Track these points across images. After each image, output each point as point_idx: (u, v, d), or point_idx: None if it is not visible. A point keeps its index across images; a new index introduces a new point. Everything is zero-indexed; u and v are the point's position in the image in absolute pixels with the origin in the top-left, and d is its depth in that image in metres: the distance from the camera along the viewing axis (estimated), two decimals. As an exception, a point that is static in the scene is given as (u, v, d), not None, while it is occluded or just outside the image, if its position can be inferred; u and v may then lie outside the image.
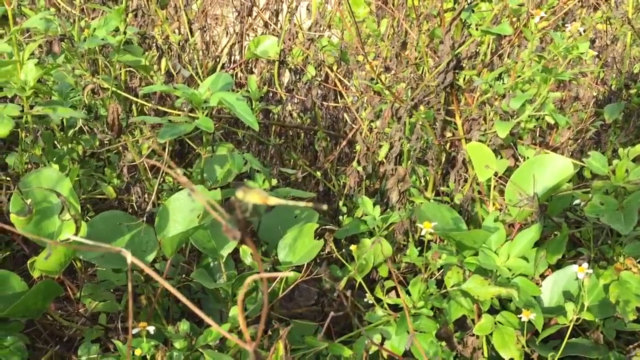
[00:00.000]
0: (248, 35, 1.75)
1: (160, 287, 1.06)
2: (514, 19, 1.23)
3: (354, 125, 1.55)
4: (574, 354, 1.04)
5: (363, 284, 1.05)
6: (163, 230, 1.08)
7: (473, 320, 1.06)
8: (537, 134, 1.34)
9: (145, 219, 1.10)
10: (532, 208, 0.98)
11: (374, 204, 1.27)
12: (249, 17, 1.70)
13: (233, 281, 1.07)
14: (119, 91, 1.23)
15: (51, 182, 0.97)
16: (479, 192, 1.23)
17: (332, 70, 1.52)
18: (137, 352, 0.81)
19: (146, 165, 1.26)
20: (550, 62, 1.05)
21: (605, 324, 1.09)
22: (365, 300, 1.11)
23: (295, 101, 1.64)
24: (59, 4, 1.44)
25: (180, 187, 1.33)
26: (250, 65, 1.76)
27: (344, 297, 0.81)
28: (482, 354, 1.06)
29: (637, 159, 1.02)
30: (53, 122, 1.17)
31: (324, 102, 1.60)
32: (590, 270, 0.92)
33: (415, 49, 1.34)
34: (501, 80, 1.31)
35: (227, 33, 1.78)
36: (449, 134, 1.27)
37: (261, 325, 0.41)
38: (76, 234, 0.88)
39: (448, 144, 1.30)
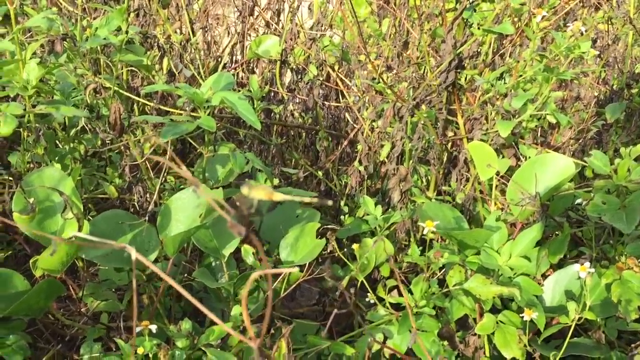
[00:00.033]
0: (249, 35, 1.76)
1: (162, 287, 1.06)
2: (515, 19, 1.23)
3: (355, 125, 1.55)
4: (576, 354, 1.04)
5: (365, 283, 1.05)
6: (165, 230, 1.08)
7: (475, 320, 1.06)
8: (539, 134, 1.35)
9: (147, 218, 1.10)
10: (534, 207, 0.98)
11: (376, 204, 1.27)
12: (251, 17, 1.70)
13: (235, 280, 1.07)
14: (121, 91, 1.23)
15: (53, 181, 0.97)
16: (481, 192, 1.23)
17: (333, 70, 1.52)
18: (140, 350, 0.81)
19: (148, 165, 1.26)
20: (552, 61, 1.05)
21: (607, 323, 1.09)
22: (367, 299, 1.11)
23: (297, 101, 1.64)
24: (61, 3, 1.44)
25: (182, 186, 1.33)
26: (251, 65, 1.76)
27: (347, 296, 0.81)
28: (484, 353, 1.06)
29: (639, 158, 1.02)
30: (55, 122, 1.17)
31: (326, 102, 1.60)
32: (592, 270, 0.92)
33: (417, 49, 1.34)
34: (502, 80, 1.31)
35: (228, 33, 1.78)
36: (450, 134, 1.27)
37: (265, 322, 0.41)
38: (73, 235, 0.88)
39: (450, 144, 1.30)
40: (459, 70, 1.11)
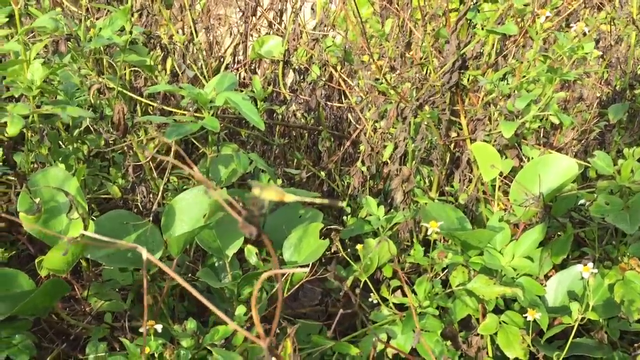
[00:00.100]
0: (252, 35, 1.76)
1: (166, 286, 1.06)
2: (519, 19, 1.23)
3: (357, 126, 1.56)
4: (578, 354, 1.04)
5: (369, 283, 1.06)
6: (169, 230, 1.08)
7: (477, 320, 1.07)
8: (541, 135, 1.35)
9: (151, 218, 1.10)
10: (537, 208, 0.98)
11: (378, 204, 1.27)
12: (253, 17, 1.70)
13: (239, 280, 1.08)
14: (124, 91, 1.23)
15: (58, 182, 0.98)
16: (484, 192, 1.24)
17: (336, 70, 1.52)
18: (146, 350, 0.82)
19: (151, 165, 1.26)
20: (555, 62, 1.06)
21: (609, 323, 1.09)
22: (370, 300, 1.11)
23: (300, 101, 1.64)
24: (63, 3, 1.44)
25: (185, 187, 1.34)
26: (254, 65, 1.76)
27: (352, 296, 0.81)
28: (487, 353, 1.06)
29: (642, 159, 1.02)
30: (58, 122, 1.18)
31: (328, 102, 1.61)
32: (595, 270, 0.92)
33: (420, 49, 1.35)
34: (505, 81, 1.31)
35: (230, 33, 1.78)
36: (453, 134, 1.27)
37: (275, 321, 0.41)
38: (82, 234, 0.89)
39: (452, 144, 1.31)
40: (462, 71, 1.11)
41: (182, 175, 1.35)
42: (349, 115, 1.64)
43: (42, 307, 0.91)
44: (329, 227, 1.27)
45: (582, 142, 1.36)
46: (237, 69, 1.73)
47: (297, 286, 1.15)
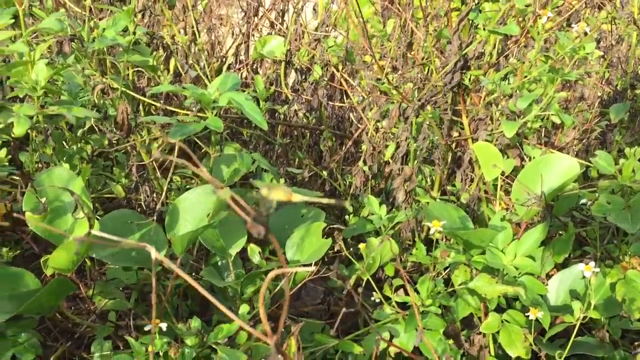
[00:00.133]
0: (253, 35, 1.76)
1: (170, 285, 1.07)
2: (520, 19, 1.24)
3: (359, 125, 1.56)
4: (580, 352, 1.05)
5: (372, 282, 1.06)
6: (173, 229, 1.09)
7: (479, 319, 1.07)
8: (542, 134, 1.35)
9: (155, 218, 1.11)
10: (539, 207, 0.99)
11: (380, 204, 1.28)
12: (255, 17, 1.71)
13: (242, 279, 1.08)
14: (127, 91, 1.24)
15: (62, 181, 0.98)
16: (485, 192, 1.24)
17: (338, 70, 1.53)
18: (151, 348, 0.82)
19: (155, 165, 1.27)
20: (556, 62, 1.06)
21: (610, 322, 1.09)
22: (372, 299, 1.12)
23: (302, 101, 1.65)
24: (67, 4, 1.45)
25: (188, 186, 1.34)
26: (255, 65, 1.77)
27: (355, 295, 0.82)
28: (489, 352, 1.07)
29: (643, 159, 1.02)
30: (62, 122, 1.18)
31: (330, 102, 1.61)
32: (597, 269, 0.93)
33: (422, 49, 1.35)
34: (507, 80, 1.31)
35: (232, 33, 1.79)
36: (455, 134, 1.28)
37: (282, 319, 0.42)
38: (89, 232, 0.89)
39: (454, 144, 1.31)
40: (464, 71, 1.12)
41: (185, 175, 1.35)
42: (351, 115, 1.64)
43: (48, 306, 0.92)
44: (331, 226, 1.28)
45: (584, 141, 1.36)
46: (239, 69, 1.74)
47: (299, 285, 1.15)
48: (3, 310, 0.88)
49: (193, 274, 1.22)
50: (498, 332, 1.00)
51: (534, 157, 1.17)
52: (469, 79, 1.26)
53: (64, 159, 1.15)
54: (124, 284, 1.15)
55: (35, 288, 0.91)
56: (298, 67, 1.61)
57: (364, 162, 1.41)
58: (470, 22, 1.11)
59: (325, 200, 0.37)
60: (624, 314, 1.01)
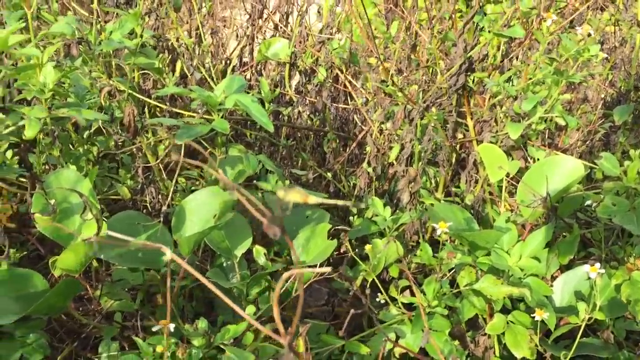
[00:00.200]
0: (257, 37, 1.77)
1: (177, 287, 1.07)
2: (524, 21, 1.24)
3: (363, 127, 1.57)
4: (585, 353, 1.05)
5: (378, 283, 1.07)
6: (179, 230, 1.09)
7: (485, 320, 1.07)
8: (546, 136, 1.36)
9: (161, 219, 1.12)
10: (544, 209, 0.99)
11: (384, 205, 1.28)
12: (260, 20, 1.72)
13: (248, 280, 1.09)
14: (134, 93, 1.24)
15: (70, 183, 0.99)
16: (490, 193, 1.25)
17: (342, 72, 1.53)
18: (159, 349, 0.83)
19: (161, 167, 1.27)
20: (560, 64, 1.07)
21: (615, 323, 1.10)
22: (377, 299, 1.12)
23: (306, 103, 1.65)
24: (73, 7, 1.46)
25: (194, 188, 1.35)
26: (259, 67, 1.78)
27: (362, 296, 0.82)
28: (494, 353, 1.07)
29: (647, 160, 1.03)
30: (69, 124, 1.19)
31: (334, 104, 1.62)
32: (603, 270, 0.93)
33: (426, 51, 1.36)
34: (510, 82, 1.32)
35: (237, 35, 1.80)
36: (460, 136, 1.28)
37: (296, 319, 0.42)
38: (97, 234, 0.90)
39: (458, 146, 1.32)
40: (468, 73, 1.12)
41: (190, 177, 1.36)
42: (355, 116, 1.65)
43: (56, 307, 0.93)
44: (336, 227, 1.28)
45: (587, 143, 1.36)
46: (244, 71, 1.75)
47: (305, 286, 1.16)
48: (11, 311, 0.88)
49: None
50: (503, 333, 1.00)
51: (538, 159, 1.17)
52: (473, 81, 1.27)
53: (71, 160, 1.16)
54: (130, 284, 1.15)
55: (43, 289, 0.92)
56: (302, 69, 1.62)
57: (368, 164, 1.41)
58: (475, 24, 1.11)
59: (340, 202, 0.38)
60: (628, 315, 1.01)
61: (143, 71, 1.40)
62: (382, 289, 1.07)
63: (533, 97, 1.06)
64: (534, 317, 0.98)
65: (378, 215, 1.28)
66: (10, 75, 0.95)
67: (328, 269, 0.37)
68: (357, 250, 1.29)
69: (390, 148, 1.36)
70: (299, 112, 1.66)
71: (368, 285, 1.16)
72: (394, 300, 1.05)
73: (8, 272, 0.94)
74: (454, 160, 1.32)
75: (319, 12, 1.69)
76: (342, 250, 1.22)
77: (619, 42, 1.47)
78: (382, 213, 1.27)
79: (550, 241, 1.07)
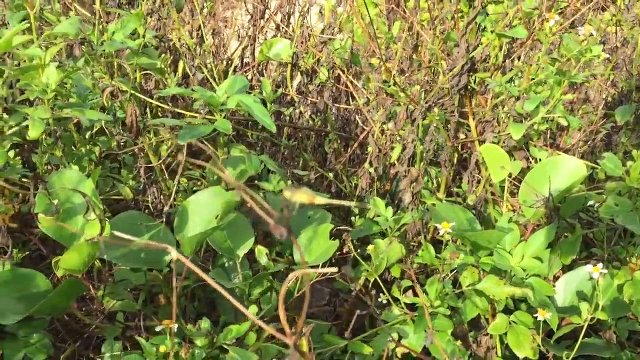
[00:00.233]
0: (259, 38, 1.77)
1: (179, 287, 1.07)
2: (526, 22, 1.24)
3: (365, 127, 1.57)
4: (587, 354, 1.05)
5: (381, 283, 1.07)
6: (182, 231, 1.09)
7: (487, 320, 1.08)
8: (548, 136, 1.36)
9: (164, 219, 1.12)
10: (547, 209, 1.00)
11: (386, 205, 1.28)
12: (262, 20, 1.72)
13: (251, 281, 1.09)
14: (136, 94, 1.25)
15: (73, 183, 0.99)
16: (492, 194, 1.25)
17: (344, 73, 1.54)
18: (162, 349, 0.83)
19: (163, 167, 1.28)
20: (563, 64, 1.07)
21: (617, 324, 1.10)
22: (379, 300, 1.12)
23: (307, 103, 1.65)
24: (75, 8, 1.46)
25: (196, 188, 1.35)
26: (261, 67, 1.78)
27: (368, 297, 0.82)
28: (496, 353, 1.07)
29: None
30: (71, 124, 1.19)
31: (335, 104, 1.62)
32: (605, 270, 0.93)
33: (429, 52, 1.36)
34: (512, 83, 1.32)
35: (238, 36, 1.80)
36: (462, 136, 1.29)
37: (302, 319, 0.42)
38: (101, 234, 0.90)
39: (460, 146, 1.32)
40: (471, 74, 1.12)
41: (192, 177, 1.36)
42: (357, 117, 1.65)
43: (60, 307, 0.93)
44: (338, 228, 1.28)
45: (589, 143, 1.37)
46: (246, 72, 1.75)
47: (307, 286, 1.16)
48: (14, 311, 0.88)
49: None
50: (506, 334, 1.00)
51: (540, 159, 1.17)
52: (475, 81, 1.27)
53: (74, 161, 1.16)
54: (133, 285, 1.16)
55: (46, 289, 0.92)
56: (304, 69, 1.62)
57: (370, 164, 1.41)
58: (478, 25, 1.11)
59: (346, 203, 0.38)
60: (631, 315, 1.01)
61: (145, 72, 1.40)
62: (385, 290, 1.08)
63: (536, 98, 1.06)
64: (536, 317, 0.98)
65: (380, 215, 1.28)
66: (13, 76, 0.96)
67: (334, 270, 0.37)
68: (359, 250, 1.29)
69: (392, 148, 1.36)
70: (301, 112, 1.66)
71: (370, 286, 1.16)
72: (396, 300, 1.06)
73: (11, 273, 0.94)
74: (456, 160, 1.32)
75: (321, 12, 1.69)
76: (344, 251, 1.22)
77: (621, 42, 1.48)
78: (384, 214, 1.27)
79: (552, 242, 1.07)
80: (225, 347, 0.89)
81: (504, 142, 1.18)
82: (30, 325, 0.92)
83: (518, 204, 1.13)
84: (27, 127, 0.91)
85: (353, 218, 1.35)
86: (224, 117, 1.12)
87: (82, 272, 0.93)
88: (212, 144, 1.30)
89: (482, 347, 1.08)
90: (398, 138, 1.35)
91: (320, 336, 1.06)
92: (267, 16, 1.75)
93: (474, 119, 1.21)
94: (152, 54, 1.28)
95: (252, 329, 0.97)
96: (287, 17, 1.75)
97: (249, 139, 1.65)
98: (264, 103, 1.43)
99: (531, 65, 1.15)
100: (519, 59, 1.37)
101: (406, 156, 1.28)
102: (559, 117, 1.12)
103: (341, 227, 1.29)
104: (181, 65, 1.49)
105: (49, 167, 1.18)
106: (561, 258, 1.09)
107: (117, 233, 0.85)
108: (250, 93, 1.54)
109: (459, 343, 0.99)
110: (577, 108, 1.44)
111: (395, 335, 0.98)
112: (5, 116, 0.93)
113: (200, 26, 1.57)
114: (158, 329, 0.86)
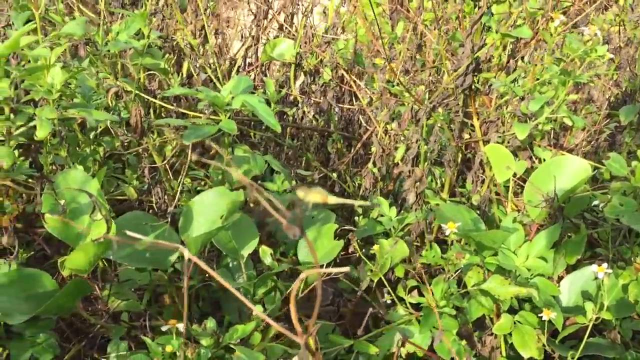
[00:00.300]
0: (262, 38, 1.77)
1: (184, 287, 1.07)
2: (530, 22, 1.24)
3: (368, 127, 1.57)
4: (591, 353, 1.05)
5: (385, 283, 1.07)
6: (187, 231, 1.10)
7: (492, 320, 1.08)
8: (551, 136, 1.36)
9: (169, 219, 1.12)
10: (552, 209, 1.00)
11: (390, 205, 1.28)
12: (265, 20, 1.72)
13: (255, 280, 1.09)
14: (140, 94, 1.25)
15: (78, 183, 0.99)
16: (497, 194, 1.25)
17: (347, 73, 1.54)
18: (168, 349, 0.83)
19: (167, 167, 1.28)
20: (567, 64, 1.07)
21: (622, 323, 1.10)
22: (384, 299, 1.12)
23: (311, 103, 1.65)
24: (79, 8, 1.46)
25: (200, 188, 1.35)
26: (264, 67, 1.78)
27: (375, 295, 0.82)
28: (501, 353, 1.07)
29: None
30: (75, 124, 1.19)
31: (338, 104, 1.62)
32: (610, 270, 0.93)
33: (432, 52, 1.36)
34: (516, 83, 1.32)
35: (241, 36, 1.80)
36: (466, 136, 1.29)
37: (313, 319, 0.42)
38: (107, 234, 0.90)
39: (464, 146, 1.32)
40: (475, 74, 1.12)
41: (196, 177, 1.36)
42: (360, 117, 1.65)
43: (66, 307, 0.93)
44: (343, 227, 1.28)
45: (592, 143, 1.37)
46: (249, 72, 1.75)
47: (310, 287, 1.16)
48: (21, 311, 0.89)
49: (206, 275, 1.23)
50: (510, 334, 1.00)
51: (544, 159, 1.18)
52: (478, 81, 1.27)
53: (78, 161, 1.16)
54: (137, 285, 1.16)
55: (52, 289, 0.92)
56: (307, 69, 1.62)
57: (374, 164, 1.42)
58: (482, 25, 1.11)
59: (357, 202, 0.38)
60: (635, 315, 1.01)
61: (149, 72, 1.40)
62: (390, 289, 1.08)
63: (540, 98, 1.06)
64: (541, 317, 0.98)
65: (383, 215, 1.28)
66: (19, 77, 0.96)
67: (346, 269, 0.37)
68: (362, 250, 1.29)
69: (396, 148, 1.36)
70: (304, 112, 1.66)
71: (374, 286, 1.16)
72: (401, 300, 1.06)
73: (17, 273, 0.94)
74: (460, 160, 1.32)
75: (324, 12, 1.69)
76: (349, 251, 1.22)
77: (624, 42, 1.47)
78: (388, 213, 1.27)
79: (557, 241, 1.07)
80: (232, 346, 0.90)
81: (508, 142, 1.18)
82: (37, 325, 0.92)
83: (522, 203, 1.13)
84: (33, 127, 0.91)
85: (356, 218, 1.35)
86: (228, 117, 1.12)
87: (88, 272, 0.93)
88: (216, 144, 1.30)
89: (487, 346, 1.08)
90: (402, 138, 1.35)
91: (325, 336, 1.06)
92: (270, 16, 1.75)
93: (478, 119, 1.21)
94: (155, 54, 1.29)
95: (257, 329, 0.98)
96: (290, 17, 1.75)
97: (251, 139, 1.65)
98: (268, 103, 1.43)
99: (535, 65, 1.15)
100: (523, 58, 1.37)
101: (410, 156, 1.29)
102: (563, 117, 1.12)
103: (345, 227, 1.29)
104: (185, 65, 1.49)
105: (54, 167, 1.18)
106: (566, 258, 1.09)
107: (128, 232, 0.85)
108: (253, 93, 1.54)
109: (463, 342, 0.99)
110: (580, 108, 1.44)
111: (399, 335, 0.98)
112: (12, 116, 0.93)
113: (203, 26, 1.57)
114: (164, 328, 0.86)
